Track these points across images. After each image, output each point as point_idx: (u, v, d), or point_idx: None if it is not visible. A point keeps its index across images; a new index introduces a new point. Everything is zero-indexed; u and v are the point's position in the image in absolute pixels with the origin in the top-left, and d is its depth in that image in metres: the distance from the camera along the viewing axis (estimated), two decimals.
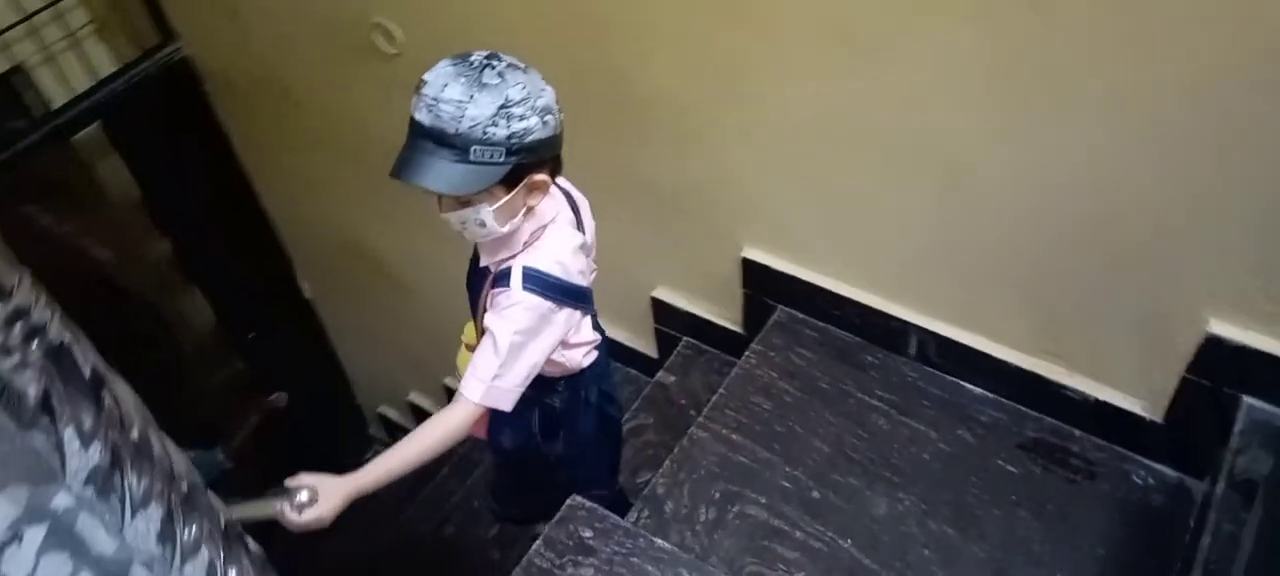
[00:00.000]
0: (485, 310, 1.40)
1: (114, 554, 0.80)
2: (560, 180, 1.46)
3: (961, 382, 1.83)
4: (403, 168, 1.23)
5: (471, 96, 1.18)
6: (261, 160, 3.23)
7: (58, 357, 0.64)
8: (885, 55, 1.47)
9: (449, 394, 3.40)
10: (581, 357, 1.57)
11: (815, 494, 1.68)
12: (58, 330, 0.64)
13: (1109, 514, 1.60)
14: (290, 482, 1.24)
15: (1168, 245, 1.41)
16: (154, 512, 0.77)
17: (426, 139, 1.20)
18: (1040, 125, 1.40)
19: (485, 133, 1.19)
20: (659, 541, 1.43)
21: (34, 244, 4.46)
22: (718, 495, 1.69)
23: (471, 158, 1.20)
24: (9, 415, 0.63)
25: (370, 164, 2.61)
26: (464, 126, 1.18)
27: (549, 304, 1.36)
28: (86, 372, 0.68)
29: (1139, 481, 1.65)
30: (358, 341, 3.89)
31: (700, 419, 1.82)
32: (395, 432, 4.22)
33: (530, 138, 1.23)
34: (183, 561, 0.82)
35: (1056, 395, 1.71)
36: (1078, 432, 1.73)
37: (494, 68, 1.21)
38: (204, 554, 0.84)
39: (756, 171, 1.79)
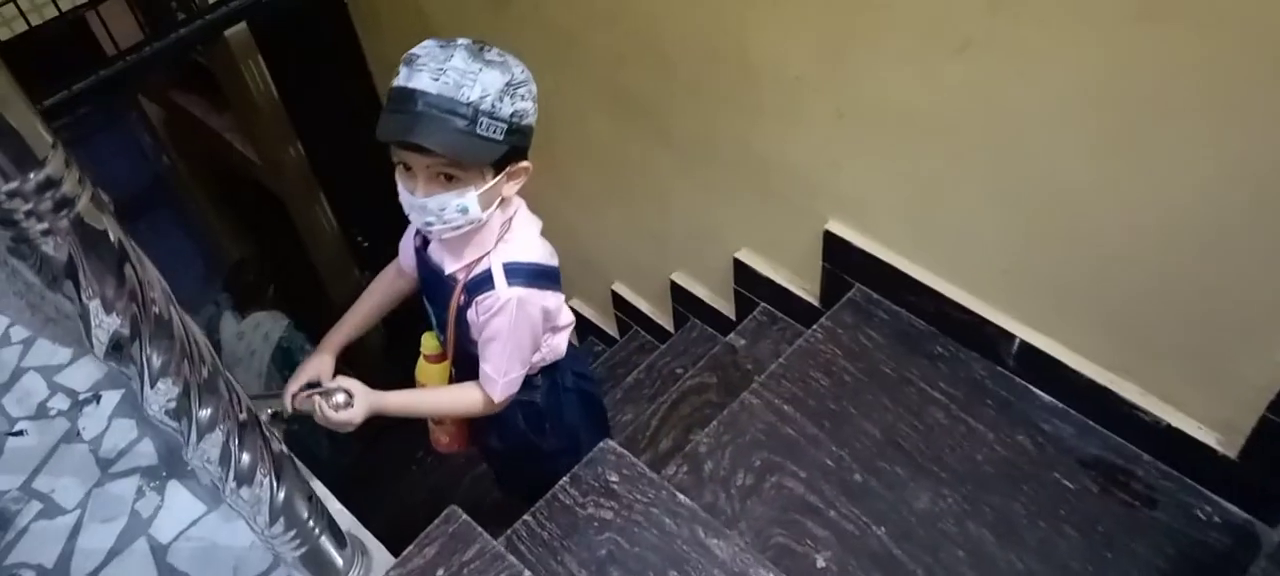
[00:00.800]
0: (457, 318, 1.40)
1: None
2: None
3: (1030, 387, 1.77)
4: (400, 128, 1.18)
5: (480, 69, 1.18)
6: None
7: (84, 229, 0.74)
8: (989, 56, 1.42)
9: None
10: (564, 342, 1.60)
11: (857, 477, 1.69)
12: (87, 204, 0.73)
13: (1162, 546, 1.53)
14: (329, 383, 1.36)
15: (1264, 282, 1.32)
16: (169, 387, 0.88)
17: (432, 106, 1.17)
18: (1147, 150, 1.33)
19: (493, 106, 1.19)
20: (681, 497, 1.48)
21: (186, 131, 4.89)
22: (758, 463, 1.73)
23: (478, 130, 1.19)
24: (38, 276, 0.74)
25: None
26: (475, 94, 1.17)
27: (536, 291, 1.38)
28: (113, 246, 0.78)
29: (1201, 516, 1.57)
30: None
31: (755, 385, 1.85)
32: None
33: (526, 120, 1.25)
34: (199, 438, 0.94)
35: (1127, 415, 1.63)
36: (1145, 456, 1.66)
37: (489, 48, 1.21)
38: (217, 434, 0.95)
39: (847, 151, 1.78)
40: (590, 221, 2.73)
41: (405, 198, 1.30)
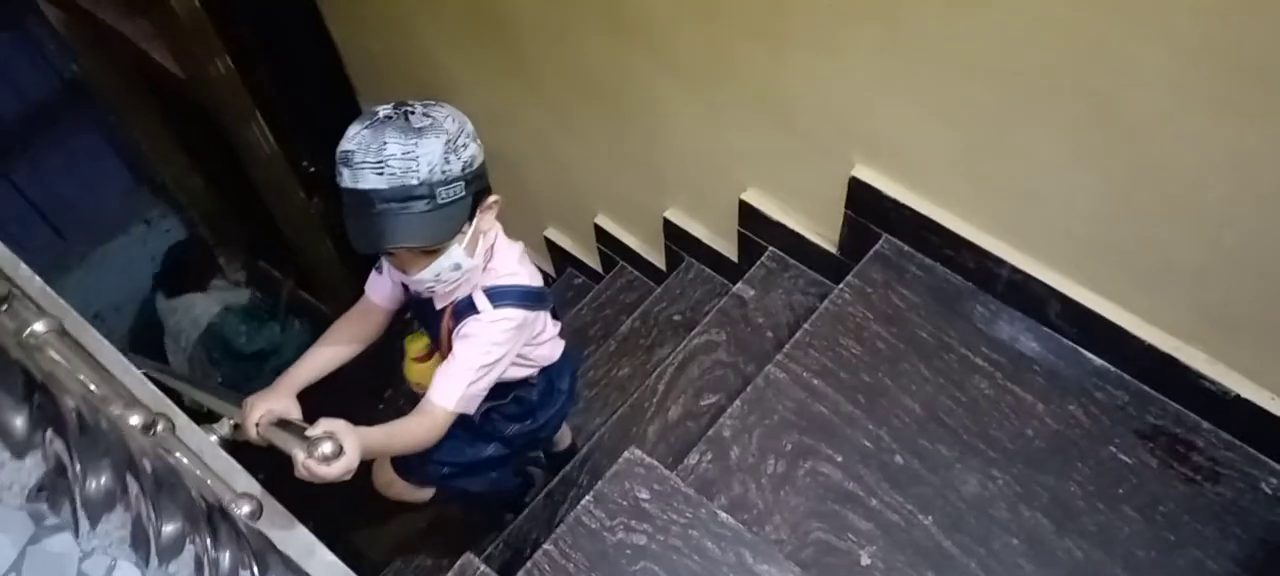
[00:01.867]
0: (449, 342, 1.39)
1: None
2: None
3: (1082, 351, 1.62)
4: (371, 238, 1.18)
5: (416, 143, 1.15)
6: None
7: None
8: None
9: None
10: (548, 352, 1.60)
11: (898, 459, 1.54)
12: None
13: (1230, 527, 1.43)
14: (312, 432, 1.11)
15: None
16: (120, 517, 0.66)
17: (388, 201, 1.15)
18: (1254, 111, 1.13)
19: (444, 172, 1.17)
20: (723, 515, 1.31)
21: (96, 37, 4.36)
22: (789, 447, 1.56)
23: (440, 200, 1.18)
24: None
25: (448, 12, 2.40)
26: (424, 172, 1.15)
27: (521, 312, 1.39)
28: (13, 373, 0.54)
29: (1269, 491, 1.47)
30: None
31: (780, 357, 1.66)
32: None
33: (477, 163, 1.24)
34: (163, 561, 0.72)
35: (1192, 384, 1.50)
36: (1205, 425, 1.54)
37: (414, 112, 1.19)
38: (188, 552, 0.73)
39: (887, 91, 1.54)
40: (574, 144, 2.45)
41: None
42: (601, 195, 2.61)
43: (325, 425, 1.12)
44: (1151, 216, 1.38)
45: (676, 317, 2.29)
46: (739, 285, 2.05)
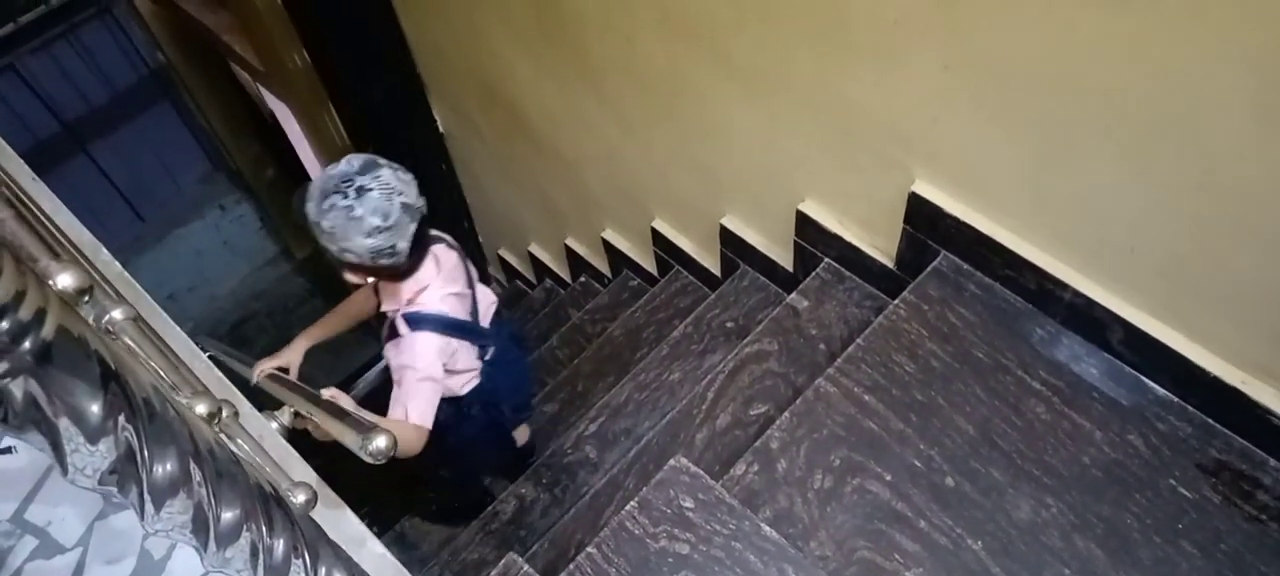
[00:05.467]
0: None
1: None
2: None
3: (1144, 380, 1.57)
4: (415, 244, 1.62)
5: (392, 183, 1.55)
6: None
7: (50, 354, 0.54)
8: (1142, 10, 1.15)
9: (569, 251, 3.34)
10: (459, 386, 1.89)
11: (949, 481, 1.52)
12: (53, 323, 0.53)
13: None
14: (366, 418, 1.36)
15: None
16: (182, 503, 0.69)
17: (410, 222, 1.57)
18: None
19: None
20: (767, 529, 1.31)
21: (181, 29, 4.54)
22: (837, 462, 1.55)
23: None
24: (3, 422, 0.55)
25: (519, 14, 2.44)
26: (413, 197, 1.59)
27: (436, 337, 1.71)
28: (93, 355, 0.58)
29: None
30: (484, 184, 3.83)
31: (831, 370, 1.65)
32: (513, 276, 4.24)
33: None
34: (220, 546, 0.75)
35: (1259, 419, 1.44)
36: (1272, 462, 1.48)
37: (368, 163, 1.55)
38: (244, 538, 0.77)
39: (950, 106, 1.51)
40: (634, 147, 2.46)
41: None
42: (660, 199, 2.62)
43: (329, 393, 1.52)
44: (1221, 243, 1.33)
45: (729, 324, 2.29)
46: (793, 295, 2.04)
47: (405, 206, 1.56)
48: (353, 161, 1.55)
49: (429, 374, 1.67)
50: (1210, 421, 1.52)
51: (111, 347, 0.63)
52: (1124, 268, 1.51)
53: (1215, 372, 1.47)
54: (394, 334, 1.73)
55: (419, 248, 1.64)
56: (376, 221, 1.51)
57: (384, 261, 1.57)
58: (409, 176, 1.60)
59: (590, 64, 2.29)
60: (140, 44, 5.21)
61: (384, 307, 1.81)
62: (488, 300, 1.93)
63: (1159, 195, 1.35)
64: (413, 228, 1.58)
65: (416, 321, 1.69)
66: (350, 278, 1.65)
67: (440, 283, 1.74)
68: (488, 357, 1.93)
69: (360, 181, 1.51)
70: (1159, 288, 1.49)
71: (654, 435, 1.95)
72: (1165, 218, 1.37)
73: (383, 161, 1.58)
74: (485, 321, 1.90)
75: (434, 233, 1.78)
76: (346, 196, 1.50)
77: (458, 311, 1.77)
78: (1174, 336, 1.50)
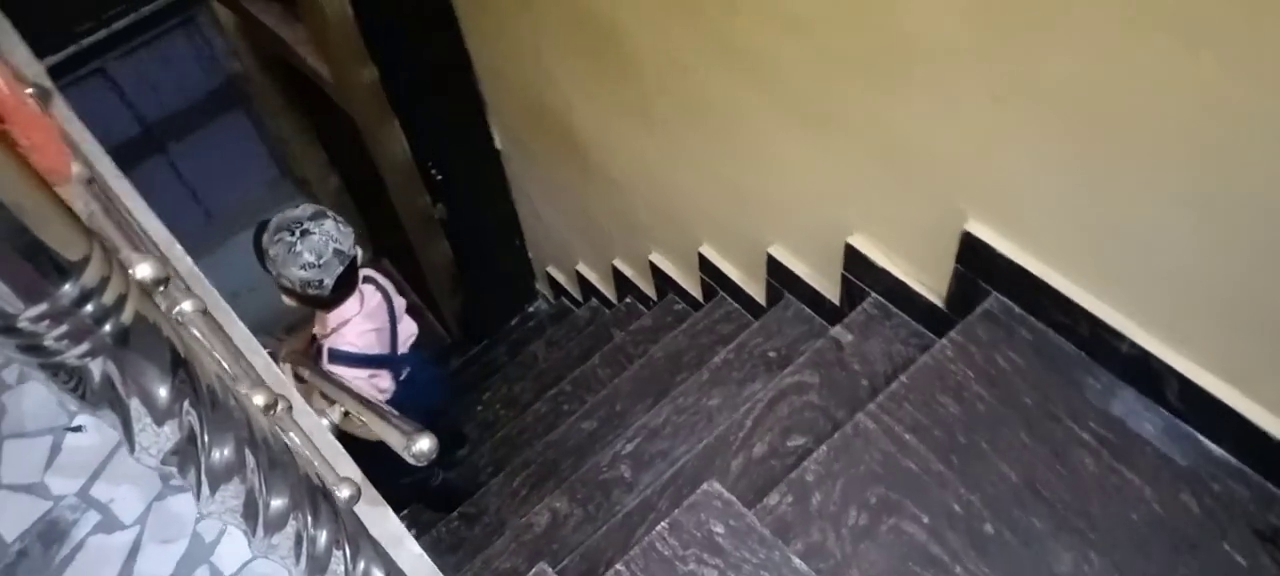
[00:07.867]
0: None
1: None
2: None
3: (1201, 438, 1.53)
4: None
5: (331, 232, 1.97)
6: (472, 10, 3.18)
7: (128, 338, 0.58)
8: (1202, 44, 1.13)
9: (615, 272, 3.38)
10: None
11: (988, 527, 1.49)
12: (136, 302, 0.57)
13: None
14: (407, 426, 1.44)
15: None
16: (236, 489, 0.72)
17: (339, 265, 1.99)
18: None
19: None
20: (796, 560, 1.31)
21: (258, 39, 4.72)
22: (874, 500, 1.53)
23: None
24: (76, 398, 0.59)
25: (575, 40, 2.49)
26: (347, 247, 2.00)
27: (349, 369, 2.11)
28: (166, 343, 0.62)
29: None
30: (536, 202, 3.90)
31: (872, 406, 1.64)
32: (560, 293, 4.28)
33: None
34: (268, 532, 0.78)
35: None
36: None
37: (318, 213, 1.98)
38: (290, 527, 0.79)
39: (1005, 143, 1.51)
40: (685, 173, 2.49)
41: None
42: (708, 225, 2.63)
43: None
44: None
45: (771, 354, 2.28)
46: (837, 328, 2.03)
47: (337, 252, 1.95)
48: (305, 210, 1.96)
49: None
50: (1270, 487, 1.47)
51: (181, 336, 0.66)
52: (1183, 320, 1.48)
53: (1274, 433, 1.42)
54: (320, 356, 2.13)
55: (342, 287, 2.04)
56: (310, 259, 1.92)
57: (311, 292, 1.99)
58: (349, 229, 2.01)
59: (642, 91, 2.33)
60: (220, 53, 5.43)
61: (315, 330, 2.24)
62: (408, 331, 2.39)
63: (1224, 248, 1.32)
64: (340, 270, 1.97)
65: (334, 356, 2.11)
66: (284, 299, 2.08)
67: (361, 320, 2.14)
68: (402, 377, 2.32)
69: (307, 225, 1.93)
70: (1220, 343, 1.45)
71: (689, 459, 1.95)
72: (1229, 271, 1.34)
73: (329, 213, 1.99)
74: (403, 349, 2.34)
75: (367, 273, 2.21)
76: (293, 233, 1.92)
77: (373, 346, 2.18)
78: (1235, 395, 1.46)
